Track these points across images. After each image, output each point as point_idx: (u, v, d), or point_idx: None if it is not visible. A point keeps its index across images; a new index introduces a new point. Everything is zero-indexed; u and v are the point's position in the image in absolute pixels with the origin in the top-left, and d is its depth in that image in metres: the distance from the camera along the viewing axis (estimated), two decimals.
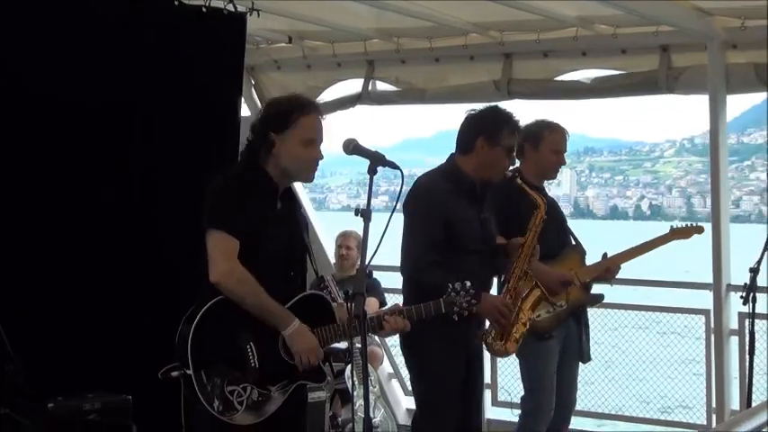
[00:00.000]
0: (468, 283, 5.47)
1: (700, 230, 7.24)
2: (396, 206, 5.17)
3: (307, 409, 5.41)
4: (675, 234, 7.11)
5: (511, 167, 6.37)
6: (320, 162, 5.19)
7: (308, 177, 5.26)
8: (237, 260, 4.92)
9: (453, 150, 6.36)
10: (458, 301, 5.40)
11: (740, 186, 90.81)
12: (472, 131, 6.23)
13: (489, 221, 6.35)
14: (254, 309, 4.94)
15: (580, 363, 7.17)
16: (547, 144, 6.91)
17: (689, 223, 7.19)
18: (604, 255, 7.07)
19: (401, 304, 5.83)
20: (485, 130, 6.19)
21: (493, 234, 6.36)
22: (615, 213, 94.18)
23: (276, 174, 5.11)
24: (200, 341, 4.87)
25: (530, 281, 6.50)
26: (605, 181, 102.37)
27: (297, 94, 5.32)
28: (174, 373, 4.93)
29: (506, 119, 6.24)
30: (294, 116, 5.06)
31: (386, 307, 5.13)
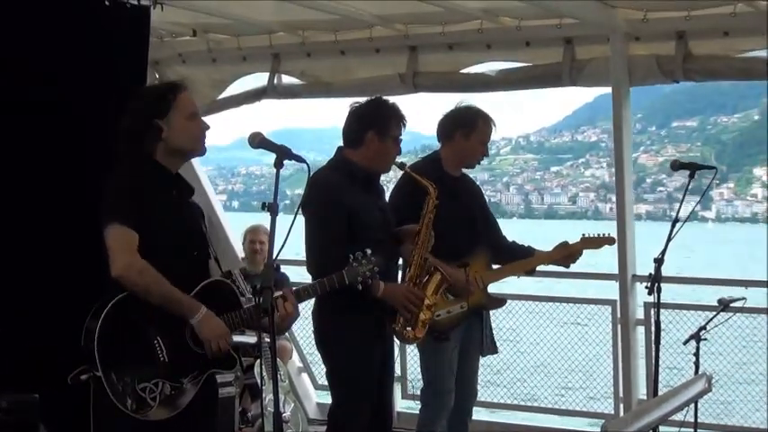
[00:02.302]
0: (369, 251, 5.58)
1: (611, 242, 7.33)
2: (303, 200, 5.18)
3: (218, 401, 5.39)
4: (586, 243, 7.18)
5: (398, 157, 6.48)
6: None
7: (201, 149, 5.25)
8: (137, 253, 4.88)
9: (340, 144, 6.47)
10: (360, 271, 5.49)
11: (576, 183, 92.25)
12: (361, 124, 6.35)
13: (386, 210, 6.43)
14: (159, 300, 4.89)
15: (486, 355, 7.22)
16: (478, 135, 6.98)
17: (600, 233, 7.25)
18: (563, 242, 7.16)
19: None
20: (374, 124, 6.31)
21: (390, 222, 6.44)
22: None
23: (167, 159, 5.12)
24: (107, 341, 4.81)
25: (428, 266, 6.53)
26: None
27: (157, 82, 5.34)
28: (84, 377, 4.86)
29: (394, 111, 6.39)
30: (171, 96, 5.10)
31: (278, 292, 5.09)
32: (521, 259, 7.14)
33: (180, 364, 4.94)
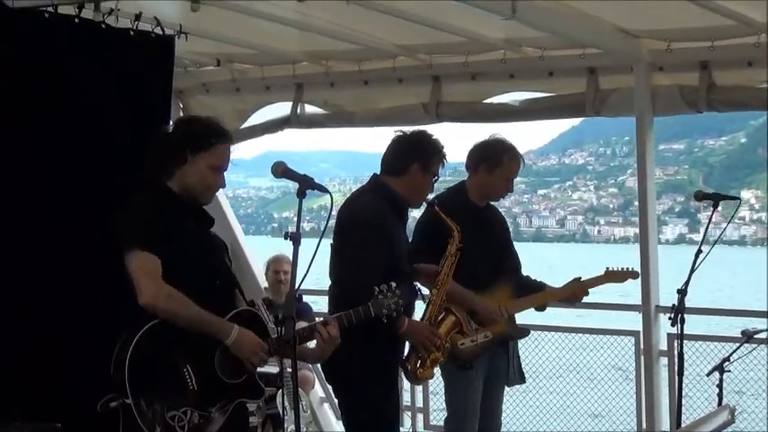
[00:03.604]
0: (394, 284, 5.54)
1: (635, 276, 7.33)
2: (325, 230, 5.18)
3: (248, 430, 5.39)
4: (609, 277, 7.16)
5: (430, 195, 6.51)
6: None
7: (206, 200, 5.28)
8: (161, 279, 4.89)
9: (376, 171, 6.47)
10: (385, 303, 5.46)
11: (564, 206, 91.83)
12: (407, 155, 6.34)
13: (407, 242, 6.44)
14: (189, 323, 4.90)
15: (513, 385, 7.21)
16: (503, 171, 6.97)
17: (624, 267, 7.24)
18: (577, 278, 7.15)
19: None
20: (420, 157, 6.31)
21: (411, 256, 6.44)
22: None
23: (178, 190, 5.16)
24: (137, 368, 4.82)
25: (443, 307, 6.56)
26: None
27: (215, 120, 5.35)
28: (113, 404, 4.86)
29: (439, 148, 6.39)
30: (212, 141, 5.14)
31: (301, 323, 5.10)
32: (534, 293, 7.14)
33: (208, 393, 4.95)
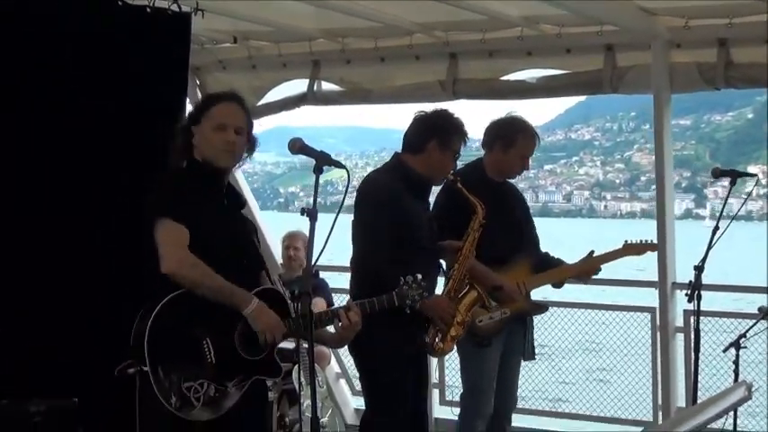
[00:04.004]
0: (420, 276, 5.53)
1: (654, 248, 7.33)
2: (342, 205, 5.19)
3: (265, 407, 5.42)
4: (628, 249, 7.16)
5: (452, 171, 6.55)
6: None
7: (225, 162, 5.19)
8: (187, 248, 4.89)
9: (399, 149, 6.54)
10: (410, 294, 5.45)
11: (570, 182, 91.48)
12: (425, 133, 6.42)
13: (432, 220, 6.46)
14: (212, 291, 4.90)
15: (525, 361, 7.23)
16: (517, 149, 6.98)
17: (643, 239, 7.23)
18: (591, 252, 7.12)
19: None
20: (438, 134, 6.37)
21: (435, 233, 6.46)
22: None
23: (202, 163, 5.15)
24: (157, 337, 4.83)
25: (465, 282, 6.59)
26: None
27: (204, 87, 5.37)
28: (131, 370, 4.88)
29: (459, 126, 6.47)
30: (206, 105, 5.17)
31: (337, 306, 5.14)
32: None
33: (226, 367, 4.96)
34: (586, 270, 7.09)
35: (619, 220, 70.47)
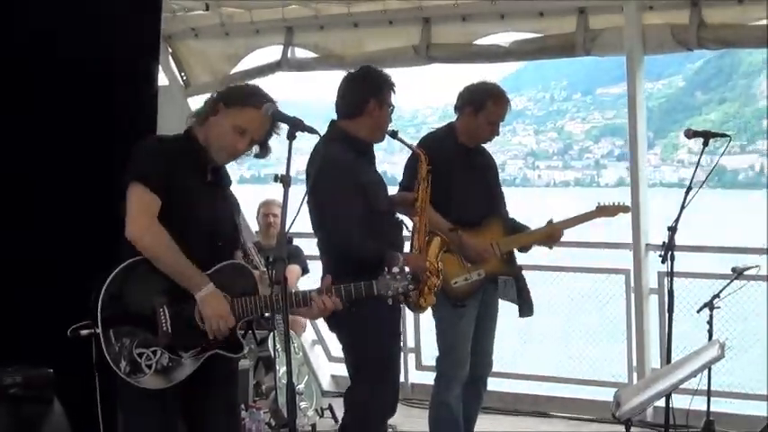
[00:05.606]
0: (407, 268, 5.34)
1: (626, 210, 7.34)
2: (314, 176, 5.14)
3: (234, 378, 5.36)
4: (601, 211, 7.17)
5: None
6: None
7: (221, 161, 5.12)
8: (156, 218, 4.83)
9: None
10: (392, 285, 5.19)
11: (504, 151, 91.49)
12: (362, 94, 6.23)
13: (383, 179, 6.42)
14: (169, 268, 4.84)
15: (522, 319, 7.21)
16: (486, 114, 6.93)
17: (615, 202, 7.25)
18: (549, 221, 7.11)
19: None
20: (374, 93, 6.21)
21: (386, 191, 6.41)
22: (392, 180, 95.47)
23: (202, 139, 5.04)
24: (112, 300, 4.79)
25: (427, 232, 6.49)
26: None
27: (260, 88, 5.22)
28: (84, 332, 4.83)
29: (388, 78, 6.31)
30: (245, 101, 5.00)
31: (314, 288, 5.05)
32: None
33: (182, 338, 4.89)
34: (552, 234, 7.10)
35: (552, 189, 70.17)
